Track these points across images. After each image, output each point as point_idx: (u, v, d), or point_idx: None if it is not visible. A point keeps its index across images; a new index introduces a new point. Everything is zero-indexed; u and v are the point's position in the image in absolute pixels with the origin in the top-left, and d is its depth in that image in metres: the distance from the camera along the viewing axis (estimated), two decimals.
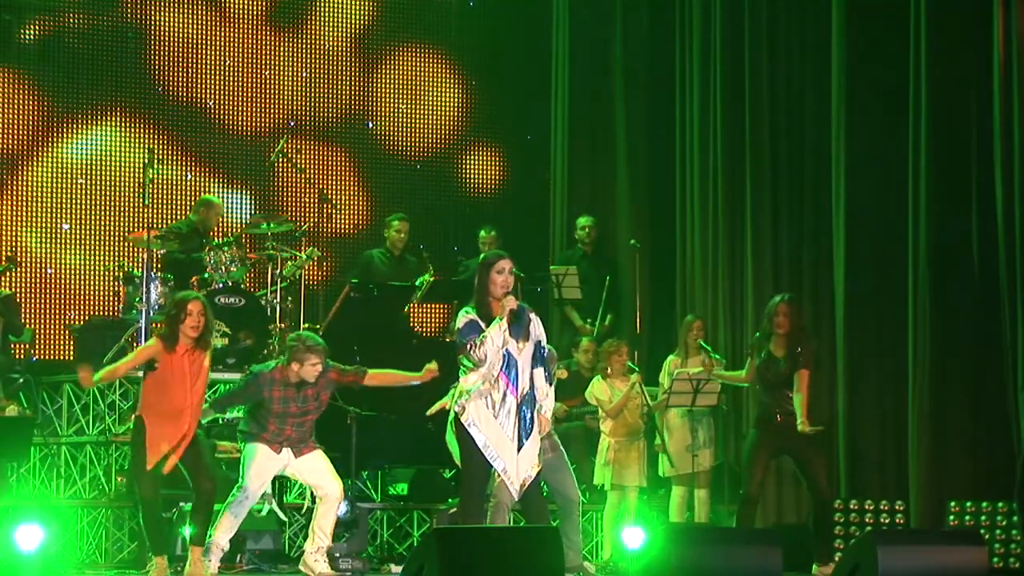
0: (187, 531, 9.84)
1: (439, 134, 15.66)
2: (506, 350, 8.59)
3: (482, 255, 8.95)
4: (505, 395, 8.60)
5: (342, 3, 15.32)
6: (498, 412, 8.58)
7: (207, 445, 10.10)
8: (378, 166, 15.37)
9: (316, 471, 9.90)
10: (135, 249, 13.21)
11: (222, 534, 9.78)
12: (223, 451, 11.11)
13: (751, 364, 10.82)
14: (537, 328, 8.76)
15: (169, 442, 9.45)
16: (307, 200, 14.52)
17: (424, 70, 15.59)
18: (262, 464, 9.79)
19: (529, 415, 8.64)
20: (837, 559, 11.13)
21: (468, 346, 8.56)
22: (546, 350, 8.80)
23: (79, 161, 14.25)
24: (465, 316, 8.66)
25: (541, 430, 8.73)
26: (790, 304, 10.72)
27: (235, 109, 14.83)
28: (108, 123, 14.35)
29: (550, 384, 8.78)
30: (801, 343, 10.64)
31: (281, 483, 11.26)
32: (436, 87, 15.64)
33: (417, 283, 13.02)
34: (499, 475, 8.66)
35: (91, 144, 14.29)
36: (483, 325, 8.59)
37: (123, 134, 14.36)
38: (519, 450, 8.58)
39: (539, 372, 8.70)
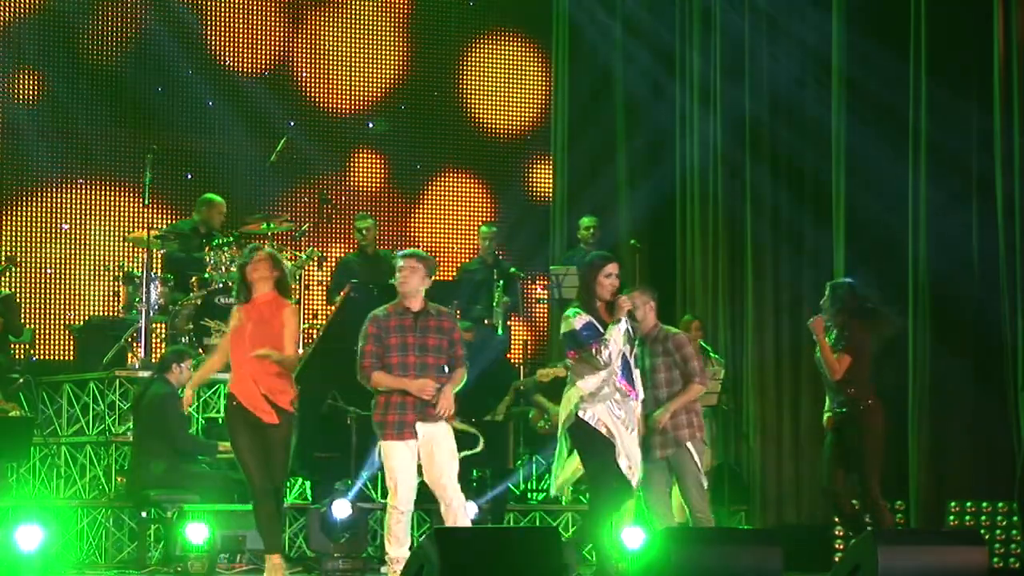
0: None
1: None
2: (622, 352, 8.68)
3: (588, 256, 8.91)
4: (625, 398, 8.67)
5: None
6: (619, 414, 8.63)
7: (285, 441, 9.14)
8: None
9: (441, 463, 8.82)
10: (135, 249, 13.21)
11: (394, 549, 8.98)
12: (223, 451, 11.10)
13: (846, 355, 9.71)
14: (632, 331, 8.87)
15: (249, 402, 8.94)
16: (307, 200, 14.53)
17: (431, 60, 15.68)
18: (402, 464, 8.83)
19: (635, 416, 8.77)
20: (837, 560, 11.15)
21: (595, 349, 8.55)
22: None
23: (79, 162, 14.26)
24: (581, 316, 8.62)
25: (640, 430, 8.85)
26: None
27: (236, 107, 14.84)
28: (109, 122, 14.35)
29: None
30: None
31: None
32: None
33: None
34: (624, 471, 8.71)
35: (91, 144, 14.29)
36: (600, 327, 8.61)
37: (123, 134, 14.36)
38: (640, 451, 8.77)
39: (636, 372, 8.85)
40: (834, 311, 9.74)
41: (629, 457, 8.65)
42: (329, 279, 13.63)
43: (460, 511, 8.87)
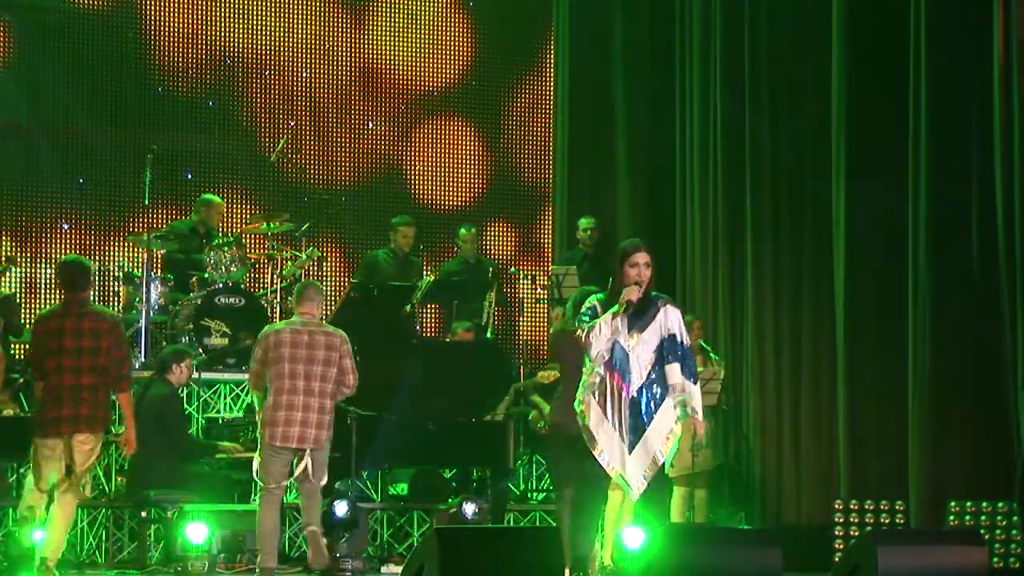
0: None
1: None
2: (615, 342, 8.20)
3: (621, 244, 8.55)
4: (613, 390, 8.20)
5: None
6: (608, 408, 8.19)
7: None
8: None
9: None
10: (135, 249, 13.21)
11: None
12: (223, 451, 11.12)
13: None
14: (668, 320, 8.30)
15: None
16: (308, 199, 14.54)
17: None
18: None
19: (644, 413, 8.21)
20: (837, 560, 11.14)
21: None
22: (684, 345, 8.32)
23: (79, 160, 14.25)
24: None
25: (696, 434, 8.43)
26: None
27: (236, 105, 14.85)
28: (108, 122, 14.35)
29: (694, 381, 8.29)
30: None
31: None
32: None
33: (419, 284, 13.06)
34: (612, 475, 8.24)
35: (91, 143, 14.28)
36: (600, 313, 8.23)
37: (123, 134, 14.35)
38: (631, 450, 8.16)
39: (674, 368, 8.25)
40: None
41: (615, 461, 8.14)
42: (325, 278, 13.66)
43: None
